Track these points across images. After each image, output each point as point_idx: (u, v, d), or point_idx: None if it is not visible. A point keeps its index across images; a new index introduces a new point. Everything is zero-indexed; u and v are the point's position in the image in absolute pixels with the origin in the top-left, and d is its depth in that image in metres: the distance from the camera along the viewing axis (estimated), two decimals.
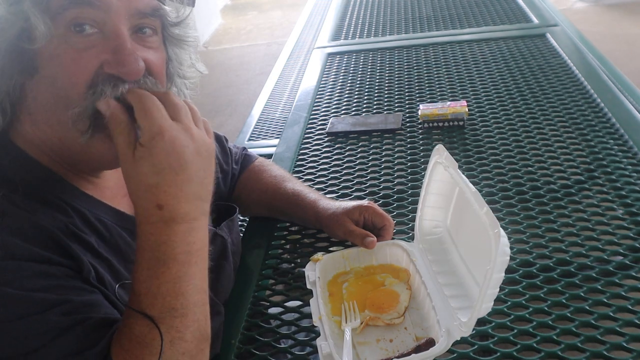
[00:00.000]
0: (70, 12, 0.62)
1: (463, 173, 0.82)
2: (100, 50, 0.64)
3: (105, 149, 0.67)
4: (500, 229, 0.68)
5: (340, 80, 1.75)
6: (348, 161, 1.31)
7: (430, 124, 1.38)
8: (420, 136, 1.36)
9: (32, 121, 0.68)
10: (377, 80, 1.71)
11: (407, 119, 1.45)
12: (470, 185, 0.78)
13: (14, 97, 0.67)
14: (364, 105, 1.56)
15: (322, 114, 1.56)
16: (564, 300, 0.84)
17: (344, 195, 1.18)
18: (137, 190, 0.62)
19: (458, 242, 0.89)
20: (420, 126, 1.40)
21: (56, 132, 0.68)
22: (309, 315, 0.85)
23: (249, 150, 1.17)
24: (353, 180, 1.23)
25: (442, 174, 0.87)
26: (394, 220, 0.99)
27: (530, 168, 1.16)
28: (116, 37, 0.64)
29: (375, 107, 1.55)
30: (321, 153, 1.36)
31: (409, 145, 1.32)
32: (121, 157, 0.62)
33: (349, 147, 1.37)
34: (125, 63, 0.64)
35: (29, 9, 0.61)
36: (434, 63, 1.76)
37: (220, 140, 1.08)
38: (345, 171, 1.27)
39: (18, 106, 0.68)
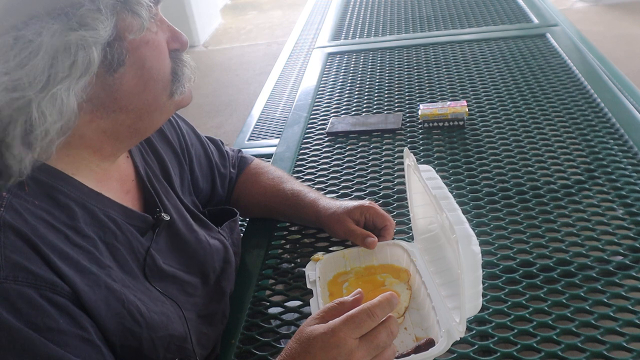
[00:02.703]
0: (155, 7, 0.73)
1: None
2: (162, 32, 0.76)
3: (190, 95, 0.80)
4: (468, 227, 0.68)
5: (340, 80, 1.76)
6: (348, 161, 1.31)
7: (430, 124, 1.38)
8: (420, 136, 1.36)
9: (104, 113, 0.71)
10: (377, 80, 1.71)
11: (407, 119, 1.45)
12: (441, 186, 0.77)
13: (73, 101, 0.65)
14: (364, 105, 1.56)
15: (322, 114, 1.56)
16: (564, 300, 0.84)
17: (344, 195, 1.18)
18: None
19: (449, 238, 0.89)
20: (420, 126, 1.40)
21: (143, 108, 0.74)
22: (309, 315, 0.85)
23: (244, 151, 1.17)
24: (353, 180, 1.23)
25: (414, 175, 0.88)
26: (394, 220, 0.99)
27: (530, 168, 1.16)
28: (164, 21, 0.77)
29: (375, 107, 1.55)
30: (321, 153, 1.36)
31: (409, 145, 1.32)
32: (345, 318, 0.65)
33: (349, 147, 1.37)
34: (182, 36, 0.78)
35: (135, 2, 0.68)
36: (434, 63, 1.76)
37: (216, 144, 1.09)
38: (345, 171, 1.27)
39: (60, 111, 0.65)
